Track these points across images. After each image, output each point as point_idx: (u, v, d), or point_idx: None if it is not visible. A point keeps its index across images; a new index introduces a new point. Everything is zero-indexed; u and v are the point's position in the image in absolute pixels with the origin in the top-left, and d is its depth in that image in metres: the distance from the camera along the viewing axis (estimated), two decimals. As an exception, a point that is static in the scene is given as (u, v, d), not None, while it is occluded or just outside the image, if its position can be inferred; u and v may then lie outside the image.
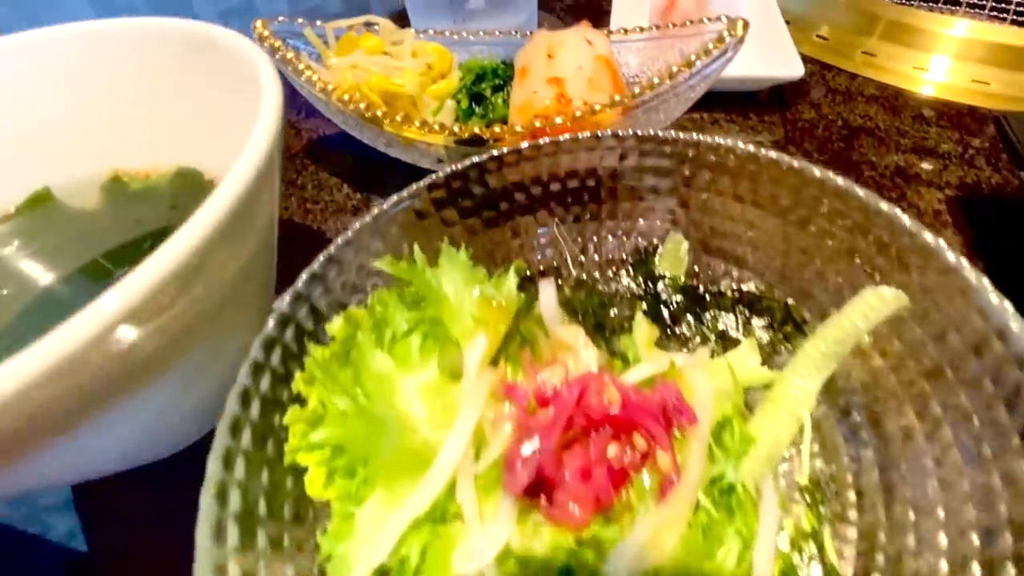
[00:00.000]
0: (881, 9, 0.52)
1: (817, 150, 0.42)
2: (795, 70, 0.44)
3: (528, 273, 0.29)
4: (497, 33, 0.43)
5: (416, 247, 0.22)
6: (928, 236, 0.21)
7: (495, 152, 0.25)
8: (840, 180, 0.24)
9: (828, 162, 0.41)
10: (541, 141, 0.26)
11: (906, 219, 0.22)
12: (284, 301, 0.20)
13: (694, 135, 0.26)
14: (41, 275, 0.27)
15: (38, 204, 0.30)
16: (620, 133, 0.26)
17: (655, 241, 0.29)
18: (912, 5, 0.58)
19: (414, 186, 0.25)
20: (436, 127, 0.34)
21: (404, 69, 0.38)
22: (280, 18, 0.38)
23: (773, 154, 0.25)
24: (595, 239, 0.29)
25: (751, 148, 0.25)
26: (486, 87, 0.38)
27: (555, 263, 0.29)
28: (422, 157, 0.37)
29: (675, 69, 0.33)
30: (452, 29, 0.43)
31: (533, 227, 0.29)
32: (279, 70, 0.37)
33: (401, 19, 0.50)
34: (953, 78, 0.48)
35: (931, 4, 0.58)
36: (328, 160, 0.45)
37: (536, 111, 0.35)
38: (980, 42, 0.47)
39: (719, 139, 0.26)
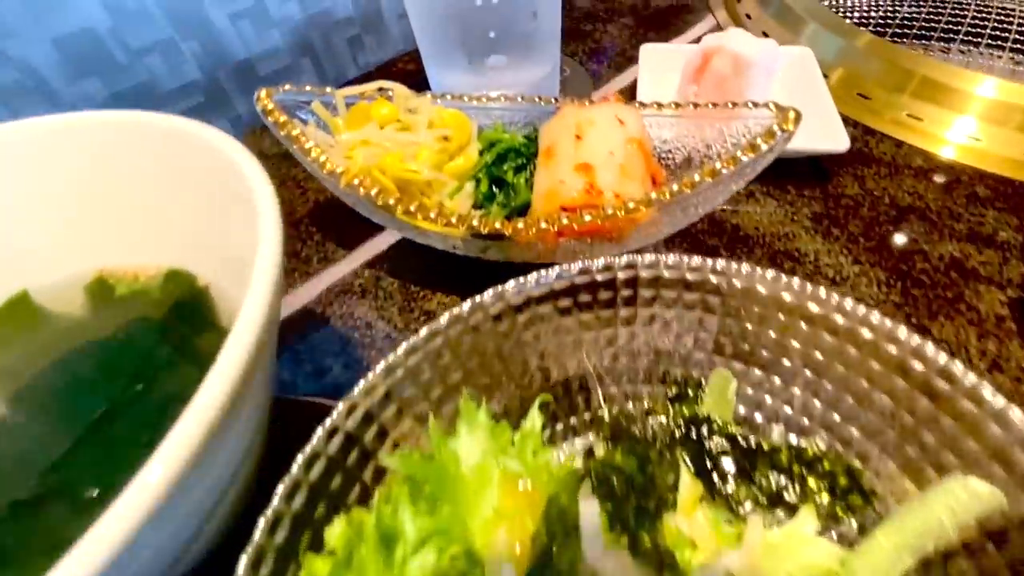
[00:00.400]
0: (923, 66, 0.49)
1: (863, 234, 0.39)
2: (840, 143, 0.41)
3: (555, 401, 0.26)
4: (520, 99, 0.40)
5: (432, 422, 0.19)
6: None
7: (520, 293, 0.22)
8: (911, 337, 0.20)
9: (875, 249, 0.38)
10: (561, 273, 0.23)
11: (997, 399, 0.19)
12: (276, 497, 0.17)
13: (730, 267, 0.23)
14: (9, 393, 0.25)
15: (15, 309, 0.27)
16: (644, 262, 0.24)
17: (696, 374, 0.26)
18: (953, 59, 0.55)
19: (425, 331, 0.22)
20: (453, 220, 0.31)
21: (420, 145, 0.35)
22: (286, 86, 0.36)
23: (823, 293, 0.22)
24: (627, 365, 0.26)
25: (796, 285, 0.22)
26: (508, 169, 0.35)
27: (585, 401, 0.26)
28: (437, 242, 0.34)
29: (718, 166, 0.30)
30: (471, 94, 0.40)
31: (558, 351, 0.26)
32: (285, 145, 0.35)
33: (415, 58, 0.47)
34: (1011, 149, 0.44)
35: (969, 49, 0.55)
36: (336, 229, 0.42)
37: (563, 201, 0.32)
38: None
39: (758, 272, 0.23)
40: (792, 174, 0.43)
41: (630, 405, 0.26)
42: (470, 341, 0.23)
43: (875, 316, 0.20)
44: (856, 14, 0.80)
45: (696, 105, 0.35)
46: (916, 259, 0.37)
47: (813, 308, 0.22)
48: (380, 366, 0.21)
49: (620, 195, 0.31)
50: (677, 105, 0.36)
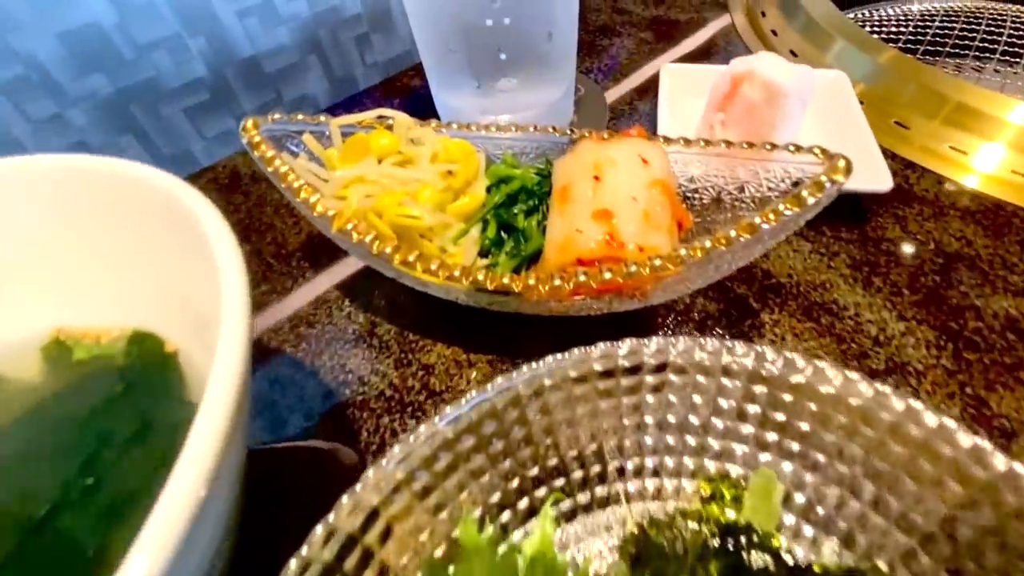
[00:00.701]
0: (966, 93, 0.45)
1: (908, 285, 0.35)
2: (882, 182, 0.37)
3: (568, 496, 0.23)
4: (532, 129, 0.36)
5: (423, 561, 0.16)
6: None
7: (532, 381, 0.19)
8: (1006, 462, 0.17)
9: (921, 303, 0.34)
10: (580, 358, 0.20)
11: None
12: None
13: (783, 358, 0.20)
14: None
15: (-40, 373, 0.24)
16: (678, 348, 0.20)
17: (735, 471, 0.22)
18: (989, 79, 0.51)
19: (412, 439, 0.18)
20: (456, 273, 0.28)
21: (422, 183, 0.32)
22: (274, 115, 0.32)
23: (895, 400, 0.18)
24: (655, 456, 0.23)
25: (864, 387, 0.18)
26: (518, 212, 0.32)
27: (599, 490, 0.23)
28: (439, 292, 0.30)
29: (757, 220, 0.26)
30: (479, 123, 0.36)
31: (573, 436, 0.23)
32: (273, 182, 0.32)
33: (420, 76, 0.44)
34: (1064, 191, 0.41)
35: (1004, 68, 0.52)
36: (330, 265, 0.39)
37: (580, 253, 0.28)
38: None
39: (818, 366, 0.19)
40: (826, 213, 0.40)
41: (655, 506, 0.22)
42: (476, 437, 0.20)
43: (962, 435, 0.17)
44: (884, 30, 0.76)
45: (729, 144, 0.32)
46: (968, 316, 0.34)
47: (883, 415, 0.18)
48: (391, 460, 0.18)
49: (645, 248, 0.28)
50: (707, 143, 0.33)
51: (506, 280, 0.27)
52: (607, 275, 0.27)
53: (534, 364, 0.20)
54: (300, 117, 0.33)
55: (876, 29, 0.76)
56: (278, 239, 0.41)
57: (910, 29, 0.77)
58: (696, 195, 0.35)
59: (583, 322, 0.32)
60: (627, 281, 0.27)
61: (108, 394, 0.23)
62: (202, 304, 0.20)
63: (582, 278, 0.27)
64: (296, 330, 0.35)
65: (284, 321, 0.35)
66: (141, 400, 0.23)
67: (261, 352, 0.34)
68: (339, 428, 0.30)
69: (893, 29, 0.77)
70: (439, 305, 0.32)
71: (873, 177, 0.38)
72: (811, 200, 0.26)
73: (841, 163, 0.27)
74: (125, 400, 0.23)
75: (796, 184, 0.30)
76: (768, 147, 0.30)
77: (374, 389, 0.32)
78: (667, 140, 0.34)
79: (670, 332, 0.34)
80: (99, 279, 0.24)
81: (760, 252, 0.30)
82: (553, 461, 0.22)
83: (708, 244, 0.26)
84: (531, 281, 0.27)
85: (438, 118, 0.48)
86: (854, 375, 0.19)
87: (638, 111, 0.52)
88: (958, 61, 0.71)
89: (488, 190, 0.34)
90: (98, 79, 0.39)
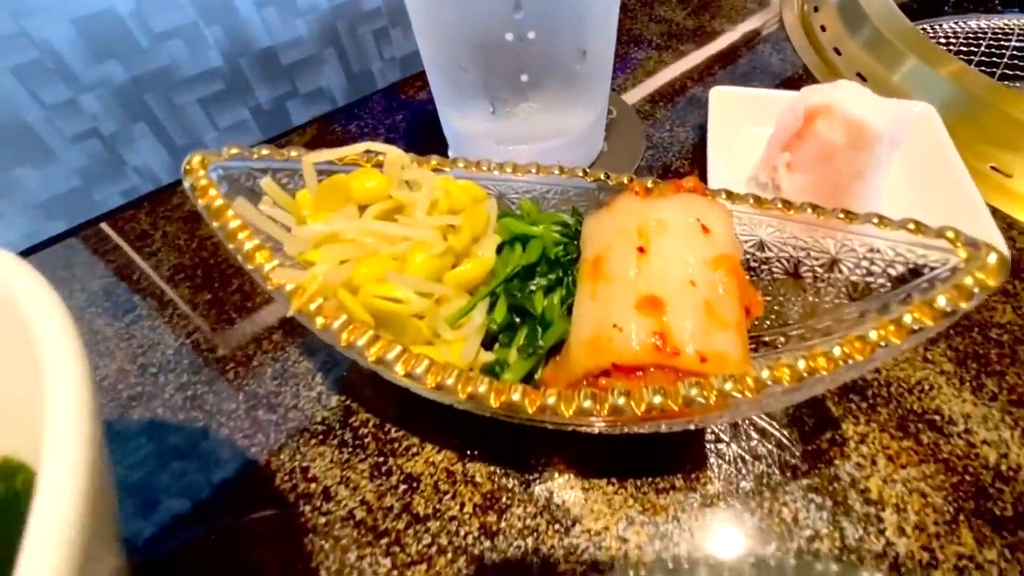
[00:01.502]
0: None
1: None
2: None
3: None
4: (557, 172, 0.29)
5: None
6: None
7: None
8: None
9: (1053, 417, 0.27)
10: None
11: None
12: None
13: None
14: None
15: None
16: None
17: None
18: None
19: None
20: (450, 379, 0.20)
21: (414, 243, 0.24)
22: (232, 149, 0.25)
23: None
24: None
25: None
26: (536, 290, 0.25)
27: None
28: (429, 394, 0.23)
29: (872, 336, 0.19)
30: (493, 162, 0.29)
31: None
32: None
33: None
34: None
35: None
36: (303, 331, 0.32)
37: (618, 357, 0.21)
38: None
39: None
40: (918, 284, 0.32)
41: None
42: None
43: None
44: (953, 48, 0.68)
45: (818, 210, 0.24)
46: (1117, 445, 0.26)
47: None
48: None
49: (707, 356, 0.21)
50: (787, 205, 0.25)
51: (516, 396, 0.20)
52: (657, 399, 0.19)
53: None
54: (266, 152, 0.26)
55: (948, 46, 0.68)
56: (245, 287, 0.34)
57: (983, 48, 0.68)
58: (765, 266, 0.27)
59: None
60: (682, 411, 0.19)
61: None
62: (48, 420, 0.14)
63: (620, 401, 0.19)
64: (253, 415, 0.28)
65: (239, 402, 0.29)
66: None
67: (200, 447, 0.27)
68: (286, 569, 0.23)
69: (963, 48, 0.68)
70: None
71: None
72: (947, 308, 0.19)
73: (992, 259, 0.19)
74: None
75: (913, 272, 0.22)
76: (876, 220, 0.23)
77: (341, 507, 0.25)
78: (732, 197, 0.26)
79: (722, 446, 0.26)
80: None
81: (865, 371, 0.22)
82: None
83: (802, 365, 0.19)
84: (549, 400, 0.20)
85: (445, 142, 0.41)
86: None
87: (678, 140, 0.44)
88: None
89: (499, 248, 0.27)
90: (113, 66, 0.38)
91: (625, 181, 0.29)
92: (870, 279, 0.24)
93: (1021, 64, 0.62)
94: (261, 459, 0.26)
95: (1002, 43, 0.69)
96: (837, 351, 0.19)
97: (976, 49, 0.68)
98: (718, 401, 0.19)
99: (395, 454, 0.26)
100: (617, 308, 0.22)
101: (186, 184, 0.24)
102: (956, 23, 0.77)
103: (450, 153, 0.41)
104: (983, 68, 0.64)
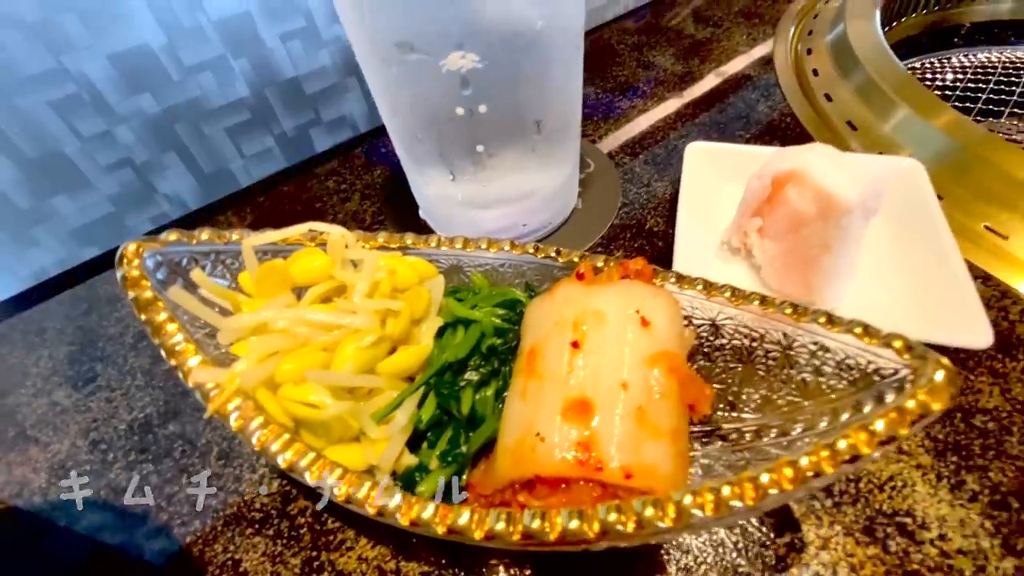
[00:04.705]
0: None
1: (1017, 489, 0.25)
2: (979, 336, 0.28)
3: None
4: (507, 248, 0.28)
5: None
6: None
7: None
8: None
9: (1040, 522, 0.24)
10: None
11: None
12: None
13: None
14: None
15: None
16: None
17: None
18: None
19: None
20: (361, 491, 0.20)
21: (347, 332, 0.24)
22: (171, 235, 0.25)
23: None
24: None
25: None
26: (466, 385, 0.24)
27: None
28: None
29: (803, 463, 0.17)
30: (440, 237, 0.29)
31: None
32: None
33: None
34: None
35: None
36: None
37: (541, 468, 0.20)
38: None
39: None
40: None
41: None
42: None
43: None
44: (961, 83, 0.66)
45: (766, 302, 0.23)
46: (1114, 555, 0.23)
47: None
48: None
49: (633, 472, 0.19)
50: (736, 294, 0.24)
51: (425, 515, 0.19)
52: (573, 523, 0.18)
53: None
54: (205, 236, 0.26)
55: (941, 90, 0.66)
56: (204, 356, 0.34)
57: (992, 83, 0.66)
58: (721, 352, 0.26)
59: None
60: (598, 536, 0.18)
61: None
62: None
63: (534, 525, 0.18)
64: (193, 498, 0.28)
65: (176, 489, 0.28)
66: None
67: (135, 534, 0.26)
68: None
69: (971, 84, 0.66)
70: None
71: (964, 325, 0.28)
72: (888, 434, 0.17)
73: (939, 377, 0.18)
74: None
75: (865, 375, 0.20)
76: (823, 319, 0.21)
77: (263, 609, 0.24)
78: (681, 281, 0.25)
79: (677, 552, 0.25)
80: None
81: (798, 497, 0.21)
82: None
83: (727, 492, 0.17)
84: (460, 521, 0.19)
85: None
86: None
87: (655, 195, 0.43)
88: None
89: (440, 333, 0.26)
90: (146, 98, 0.40)
91: (575, 259, 0.28)
92: (822, 380, 0.22)
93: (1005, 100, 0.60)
94: (193, 550, 0.26)
95: (1012, 77, 0.67)
96: (765, 478, 0.17)
97: (985, 85, 0.66)
98: (636, 529, 0.18)
99: (328, 547, 0.25)
100: (544, 413, 0.21)
101: (118, 274, 0.24)
102: (966, 55, 0.75)
103: (420, 213, 0.41)
104: (991, 105, 0.61)
